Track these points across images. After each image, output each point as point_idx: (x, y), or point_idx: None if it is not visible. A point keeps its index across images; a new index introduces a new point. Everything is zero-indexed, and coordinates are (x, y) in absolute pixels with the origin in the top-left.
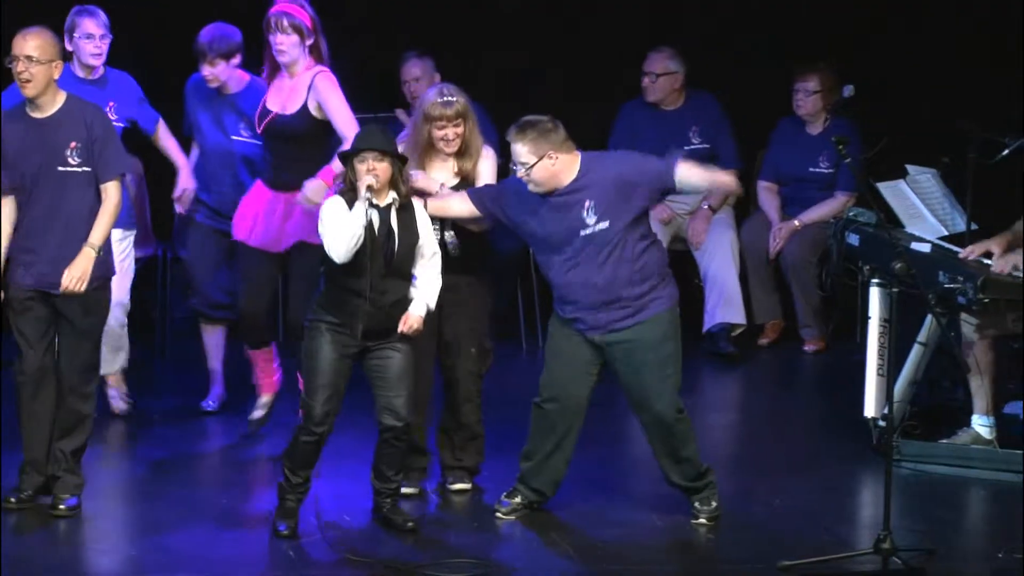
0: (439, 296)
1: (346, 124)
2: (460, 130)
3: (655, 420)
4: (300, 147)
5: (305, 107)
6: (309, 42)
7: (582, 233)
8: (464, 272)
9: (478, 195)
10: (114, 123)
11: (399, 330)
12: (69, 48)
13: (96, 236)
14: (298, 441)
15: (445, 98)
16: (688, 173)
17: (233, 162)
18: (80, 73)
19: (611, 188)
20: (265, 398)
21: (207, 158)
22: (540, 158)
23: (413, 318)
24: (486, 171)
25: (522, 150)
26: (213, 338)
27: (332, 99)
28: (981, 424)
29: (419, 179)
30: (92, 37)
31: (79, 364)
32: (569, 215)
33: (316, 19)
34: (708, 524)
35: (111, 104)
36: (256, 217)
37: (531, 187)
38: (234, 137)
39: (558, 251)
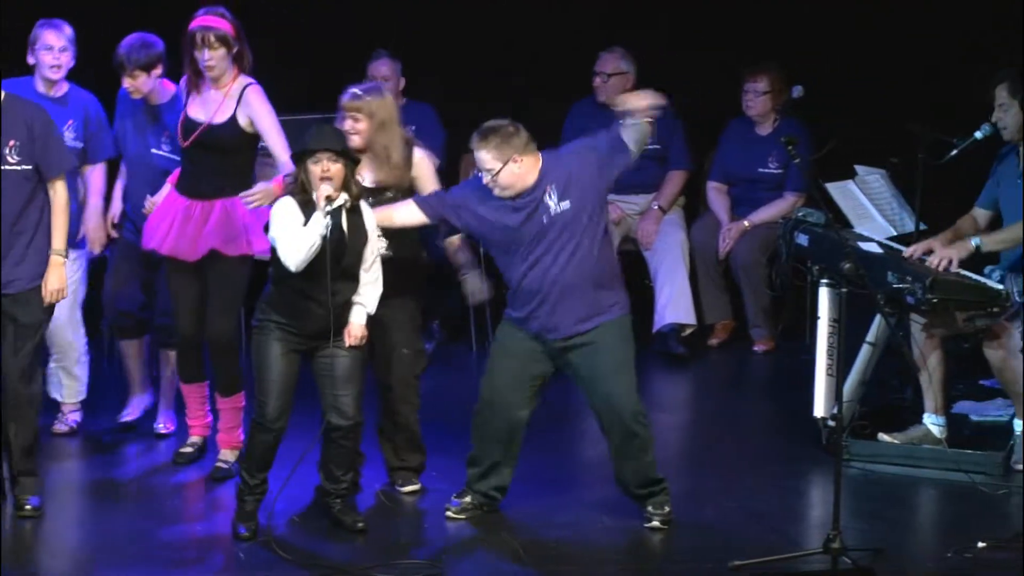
0: None
1: (281, 149)
2: (360, 126)
3: (619, 423)
4: (224, 158)
5: (234, 118)
6: (234, 51)
7: (545, 220)
8: (394, 275)
9: (427, 203)
10: (71, 142)
11: (346, 344)
12: (31, 61)
13: (58, 241)
14: (255, 441)
15: (354, 90)
16: (628, 127)
17: (153, 176)
18: (41, 88)
19: (572, 168)
20: (195, 438)
21: (129, 169)
22: (505, 163)
23: (356, 327)
24: (424, 175)
25: (486, 157)
26: (128, 351)
27: (265, 120)
28: (933, 423)
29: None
30: (51, 49)
31: (23, 361)
32: (534, 210)
33: (238, 25)
34: (663, 528)
35: (70, 122)
36: (171, 224)
37: (497, 191)
38: (154, 151)
39: (520, 250)
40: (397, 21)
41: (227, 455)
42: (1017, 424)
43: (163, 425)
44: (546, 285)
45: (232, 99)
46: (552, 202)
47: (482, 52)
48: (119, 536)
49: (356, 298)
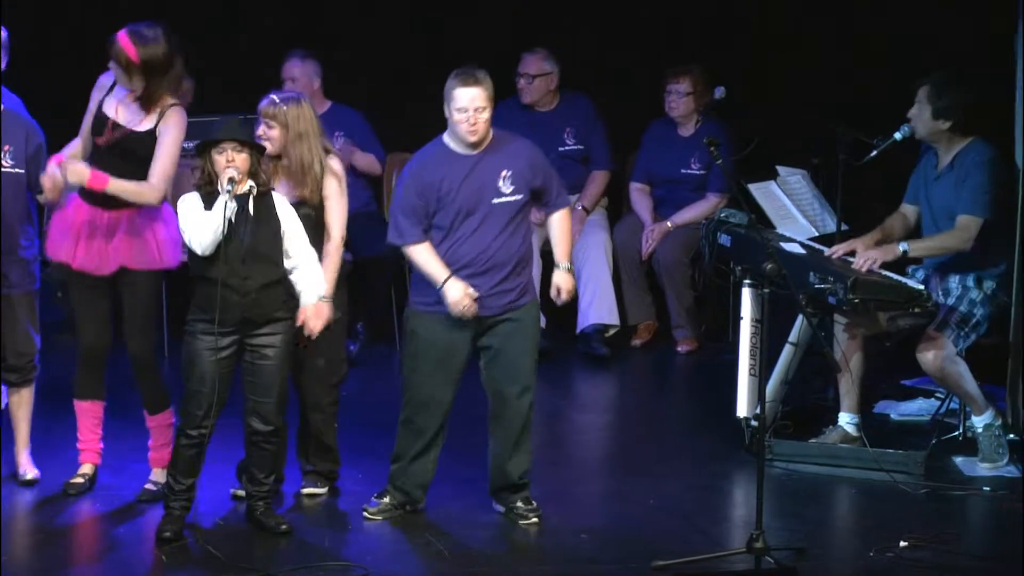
0: None
1: (160, 173)
2: (272, 133)
3: (515, 405)
4: (137, 168)
5: (154, 130)
6: None
7: (494, 201)
8: None
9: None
10: None
11: (306, 334)
12: None
13: None
14: (179, 446)
15: (273, 97)
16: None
17: None
18: None
19: (525, 166)
20: (86, 467)
21: None
22: (493, 104)
23: (308, 311)
24: (333, 191)
25: (480, 94)
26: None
27: (169, 137)
28: (848, 422)
29: None
30: None
31: None
32: (486, 179)
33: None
34: (538, 523)
35: None
36: (78, 236)
37: (472, 135)
38: None
39: (467, 220)
40: (318, 22)
41: (158, 475)
42: (977, 421)
43: (27, 471)
44: (487, 258)
45: (157, 111)
46: (507, 189)
47: (402, 54)
48: (37, 539)
49: (299, 285)
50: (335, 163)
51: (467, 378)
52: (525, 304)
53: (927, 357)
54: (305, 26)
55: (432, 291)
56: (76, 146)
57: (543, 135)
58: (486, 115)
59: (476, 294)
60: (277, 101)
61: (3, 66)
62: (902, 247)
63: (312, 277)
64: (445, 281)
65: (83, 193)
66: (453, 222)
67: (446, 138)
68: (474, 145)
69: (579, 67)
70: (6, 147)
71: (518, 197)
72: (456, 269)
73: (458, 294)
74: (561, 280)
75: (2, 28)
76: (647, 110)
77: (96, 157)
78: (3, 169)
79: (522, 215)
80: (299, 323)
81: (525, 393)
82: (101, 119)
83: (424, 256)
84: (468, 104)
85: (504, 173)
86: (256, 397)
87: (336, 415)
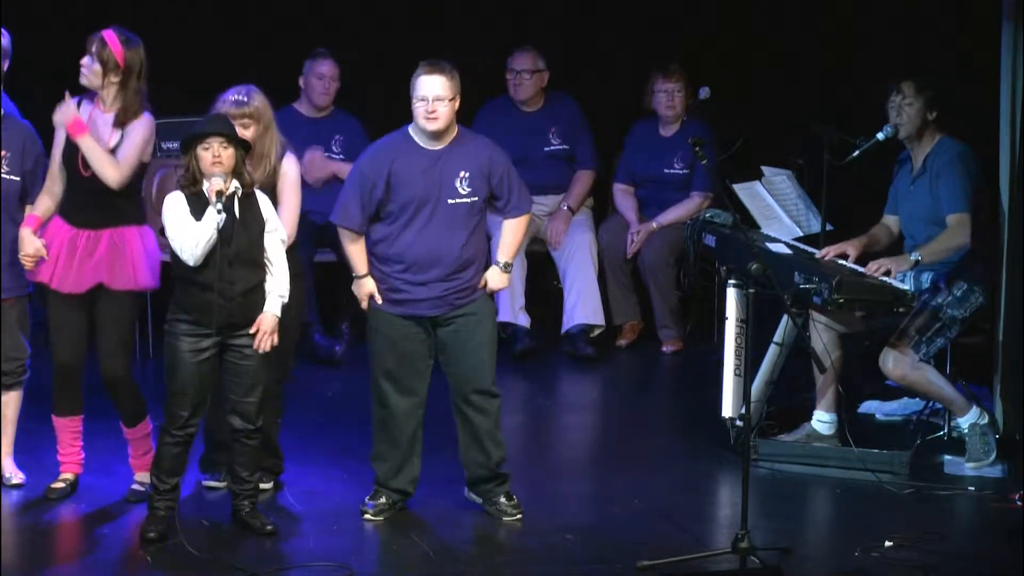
0: None
1: (124, 159)
2: (248, 132)
3: (482, 398)
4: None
5: (119, 145)
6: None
7: (449, 201)
8: None
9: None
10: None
11: (256, 340)
12: None
13: None
14: (164, 446)
15: (236, 97)
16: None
17: None
18: None
19: (485, 167)
20: (67, 475)
21: None
22: (454, 97)
23: (268, 318)
24: (289, 182)
25: (442, 83)
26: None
27: (135, 133)
28: (820, 421)
29: None
30: None
31: None
32: (441, 178)
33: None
34: (520, 521)
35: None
36: (57, 257)
37: (432, 125)
38: None
39: (417, 214)
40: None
41: (143, 478)
42: (961, 421)
43: (12, 475)
44: (434, 256)
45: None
46: (464, 190)
47: (383, 55)
48: (21, 540)
49: (268, 286)
50: (291, 160)
51: (444, 375)
52: (475, 300)
53: (887, 366)
54: (290, 23)
55: (388, 290)
56: (45, 202)
57: (529, 135)
58: (446, 106)
59: (380, 300)
60: (244, 100)
61: (4, 71)
62: (914, 256)
63: (278, 283)
64: (362, 276)
65: (64, 214)
66: (401, 215)
67: (411, 129)
68: (434, 137)
69: (563, 67)
70: (4, 153)
71: (474, 199)
72: (404, 267)
73: (363, 293)
74: (493, 276)
75: (3, 33)
76: (631, 111)
77: (76, 187)
78: (1, 176)
79: (476, 215)
80: (252, 330)
81: (483, 385)
82: (69, 152)
83: (353, 248)
84: (428, 93)
85: (463, 174)
86: (238, 397)
87: (280, 412)
